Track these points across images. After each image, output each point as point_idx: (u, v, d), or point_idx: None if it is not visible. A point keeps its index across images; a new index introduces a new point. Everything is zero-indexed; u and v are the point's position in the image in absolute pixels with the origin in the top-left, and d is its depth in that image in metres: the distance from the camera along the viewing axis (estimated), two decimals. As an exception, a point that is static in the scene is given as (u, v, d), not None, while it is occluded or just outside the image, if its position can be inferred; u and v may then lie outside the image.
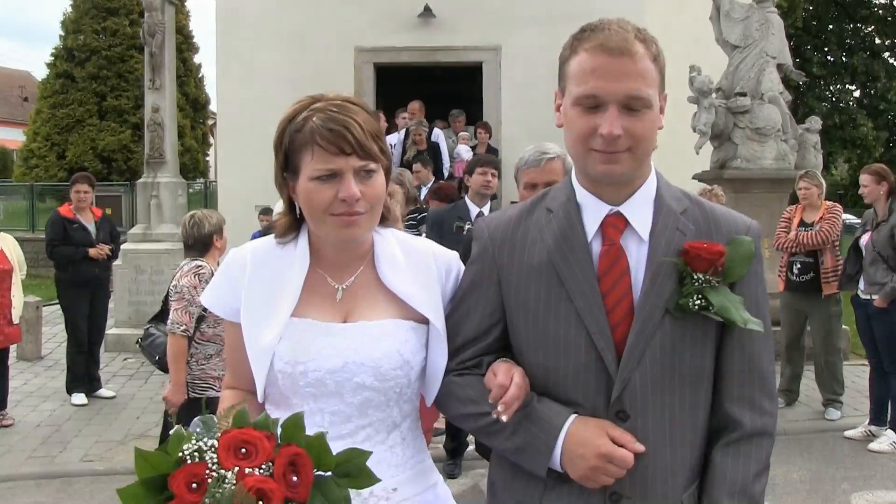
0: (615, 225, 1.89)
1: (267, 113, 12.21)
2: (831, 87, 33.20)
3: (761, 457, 1.87)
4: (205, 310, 5.10)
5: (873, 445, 7.04)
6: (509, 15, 13.64)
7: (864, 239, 7.12)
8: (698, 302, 1.79)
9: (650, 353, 1.81)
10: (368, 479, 1.61)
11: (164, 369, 5.35)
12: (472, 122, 13.55)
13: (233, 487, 1.41)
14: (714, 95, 10.97)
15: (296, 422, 1.56)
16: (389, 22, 13.53)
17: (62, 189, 21.73)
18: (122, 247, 10.31)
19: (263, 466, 1.46)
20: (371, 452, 1.65)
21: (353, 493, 1.77)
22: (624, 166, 1.83)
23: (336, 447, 1.63)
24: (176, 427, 3.05)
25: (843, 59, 32.87)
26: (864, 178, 7.29)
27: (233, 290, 2.02)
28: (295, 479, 1.48)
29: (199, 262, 5.30)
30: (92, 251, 8.45)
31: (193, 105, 27.79)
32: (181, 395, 5.16)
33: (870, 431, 7.26)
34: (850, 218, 18.72)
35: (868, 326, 7.17)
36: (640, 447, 1.78)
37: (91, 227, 8.64)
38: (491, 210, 6.08)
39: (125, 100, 25.21)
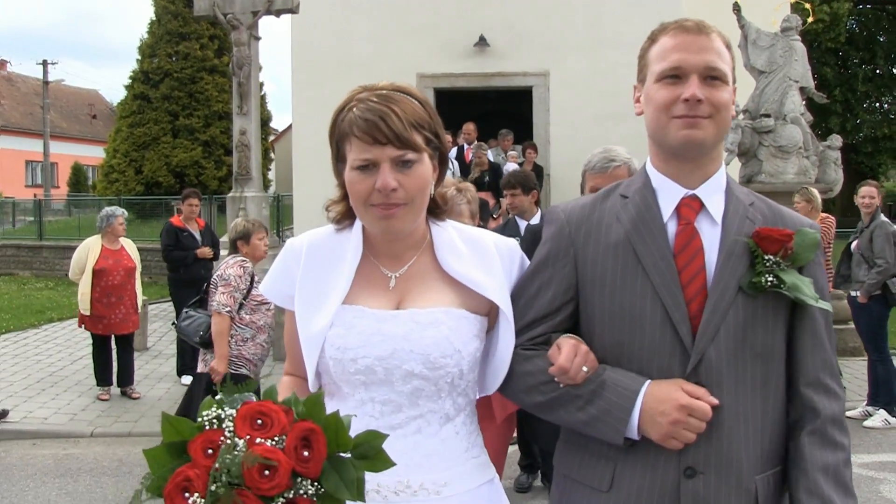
0: (691, 206, 1.93)
1: (338, 134, 13.65)
2: (883, 99, 33.60)
3: (845, 444, 1.88)
4: (245, 297, 5.90)
5: (867, 422, 8.19)
6: (557, 43, 14.97)
7: (855, 244, 8.35)
8: (771, 279, 1.83)
9: (724, 329, 1.83)
10: (385, 462, 1.58)
11: (205, 345, 5.99)
12: (518, 140, 14.82)
13: (242, 454, 1.42)
14: (741, 116, 12.12)
15: (317, 398, 1.56)
16: (448, 51, 14.94)
17: (140, 203, 23.46)
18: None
19: (276, 438, 1.46)
20: (387, 435, 1.60)
21: (401, 484, 1.87)
22: (706, 132, 1.88)
23: (389, 439, 1.62)
24: (207, 398, 3.89)
25: (893, 71, 33.24)
26: (869, 190, 8.49)
27: (288, 278, 2.04)
28: (306, 454, 1.48)
29: (242, 258, 6.04)
30: (198, 251, 9.97)
31: None
32: (225, 366, 5.82)
33: (867, 411, 8.41)
34: None
35: (854, 321, 8.37)
36: (715, 400, 1.80)
37: (197, 235, 10.17)
38: (541, 219, 6.05)
39: (196, 119, 26.83)
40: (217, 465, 1.42)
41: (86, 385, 9.65)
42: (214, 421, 1.49)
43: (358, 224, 2.02)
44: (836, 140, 13.17)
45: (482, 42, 15.05)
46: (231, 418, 1.49)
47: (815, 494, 1.80)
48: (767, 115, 12.03)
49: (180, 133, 26.81)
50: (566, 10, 14.95)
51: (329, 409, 1.57)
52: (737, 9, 12.16)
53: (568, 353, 1.87)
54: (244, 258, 6.03)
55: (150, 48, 27.67)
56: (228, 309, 5.81)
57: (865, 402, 8.52)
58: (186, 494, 1.42)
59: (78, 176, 41.18)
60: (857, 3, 31.86)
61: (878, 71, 33.01)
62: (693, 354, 1.83)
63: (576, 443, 2.00)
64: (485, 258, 2.04)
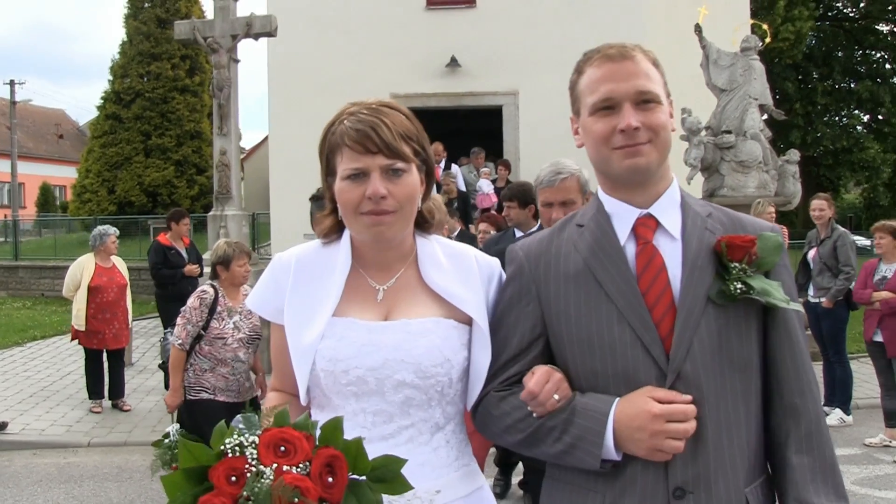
0: (647, 225, 1.92)
1: (313, 153, 14.08)
2: (842, 114, 34.30)
3: (830, 444, 1.88)
4: (204, 328, 5.68)
5: (825, 421, 8.74)
6: (526, 63, 15.52)
7: (812, 253, 8.90)
8: (740, 287, 1.81)
9: (698, 342, 1.81)
10: (403, 485, 1.60)
11: (165, 372, 6.08)
12: (490, 156, 15.31)
13: (270, 483, 1.43)
14: (703, 133, 12.68)
15: (335, 424, 1.57)
16: (421, 71, 15.44)
17: (113, 222, 23.51)
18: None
19: (301, 465, 1.48)
20: (406, 460, 1.62)
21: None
22: (648, 157, 1.88)
23: (379, 448, 1.67)
24: (171, 426, 3.96)
25: (851, 85, 33.92)
26: (820, 203, 9.06)
27: (277, 292, 2.06)
28: (330, 480, 1.49)
29: (205, 287, 5.87)
30: (186, 269, 10.33)
31: None
32: (178, 399, 5.78)
33: (825, 411, 8.93)
34: (862, 240, 19.86)
35: (818, 325, 8.90)
36: (688, 397, 1.77)
37: (184, 253, 10.52)
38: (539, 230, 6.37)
39: (168, 138, 27.04)
40: (245, 494, 1.43)
41: (77, 398, 9.95)
42: (237, 448, 1.49)
43: (346, 237, 2.07)
44: (794, 155, 13.77)
45: (453, 63, 15.59)
46: (254, 445, 1.49)
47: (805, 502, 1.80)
48: (729, 132, 12.58)
49: (152, 152, 26.97)
50: (534, 32, 15.50)
51: (320, 421, 1.60)
52: (698, 30, 12.69)
53: (539, 378, 1.86)
54: (206, 288, 5.85)
55: (121, 68, 27.87)
56: (180, 342, 5.71)
57: (822, 403, 9.03)
58: None
59: (46, 196, 41.05)
60: (817, 19, 32.71)
61: (836, 85, 33.71)
62: (669, 373, 1.80)
63: (562, 479, 1.98)
64: (465, 273, 2.08)
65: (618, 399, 1.82)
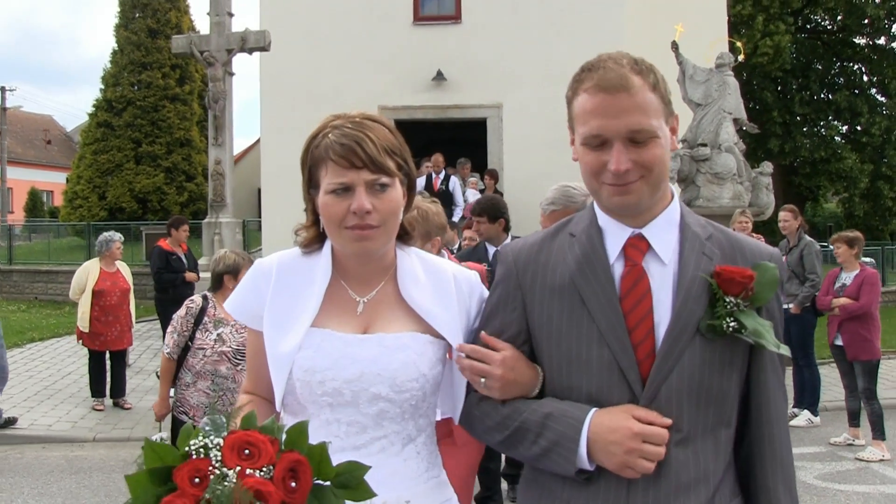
0: (637, 246, 1.88)
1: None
2: (820, 124, 34.61)
3: (793, 464, 1.94)
4: (190, 339, 5.56)
5: (793, 422, 9.25)
6: (509, 77, 16.10)
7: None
8: (732, 324, 1.78)
9: (678, 372, 1.79)
10: (366, 492, 1.61)
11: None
12: (476, 167, 15.88)
13: (232, 485, 1.43)
14: (680, 146, 13.23)
15: (300, 429, 1.58)
16: (408, 84, 15.98)
17: (104, 227, 23.88)
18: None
19: (264, 469, 1.48)
20: (370, 467, 1.63)
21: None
22: (637, 195, 1.83)
23: (351, 457, 1.68)
24: (157, 434, 4.20)
25: (829, 96, 34.29)
26: (785, 215, 9.65)
27: (257, 298, 2.05)
28: (294, 484, 1.49)
29: (194, 297, 5.81)
30: (189, 276, 10.84)
31: None
32: (165, 408, 5.72)
33: (793, 412, 9.49)
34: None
35: (787, 330, 9.45)
36: (668, 420, 1.77)
37: (184, 258, 11.02)
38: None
39: (158, 146, 27.37)
40: (207, 496, 1.43)
41: (80, 397, 10.45)
42: (201, 450, 1.49)
43: (327, 248, 2.06)
44: (767, 167, 14.36)
45: (439, 76, 16.15)
46: (218, 447, 1.49)
47: None
48: (704, 145, 13.11)
49: (143, 160, 27.30)
50: (518, 47, 16.09)
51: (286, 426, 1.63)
52: (675, 47, 13.25)
53: (484, 354, 1.92)
54: (195, 297, 5.79)
55: (113, 77, 28.17)
56: (168, 350, 5.65)
57: (792, 405, 9.56)
58: None
59: (35, 201, 41.34)
60: (795, 32, 33.35)
61: (814, 96, 34.14)
62: (642, 399, 1.79)
63: (535, 480, 1.99)
64: (442, 289, 2.08)
65: (594, 409, 1.82)
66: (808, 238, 9.52)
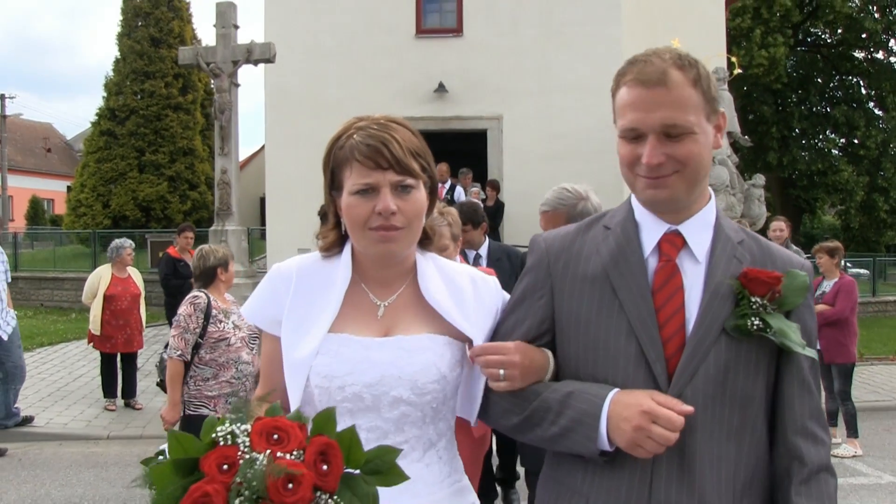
0: (673, 242, 1.88)
1: (308, 172, 15.09)
2: (818, 137, 35.16)
3: (832, 493, 1.83)
4: (201, 336, 5.48)
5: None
6: (509, 89, 16.51)
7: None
8: (757, 323, 1.77)
9: (703, 370, 1.78)
10: (398, 476, 1.58)
11: (164, 389, 5.73)
12: (475, 178, 16.23)
13: (264, 468, 1.42)
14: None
15: (327, 415, 1.57)
16: (410, 96, 16.35)
17: (107, 235, 24.18)
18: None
19: (295, 453, 1.46)
20: (401, 450, 1.61)
21: None
22: (672, 190, 1.83)
23: None
24: (163, 446, 3.73)
25: (828, 110, 34.86)
26: (779, 224, 10.03)
27: (276, 303, 2.03)
28: (325, 468, 1.47)
29: (196, 293, 5.65)
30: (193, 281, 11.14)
31: (214, 157, 30.00)
32: (176, 414, 5.49)
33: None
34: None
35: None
36: (689, 408, 1.73)
37: (191, 264, 11.33)
38: (489, 249, 6.54)
39: (161, 155, 27.63)
40: (238, 479, 1.41)
41: (92, 398, 10.74)
42: (228, 437, 1.48)
43: (347, 251, 2.05)
44: (760, 179, 14.79)
45: (441, 89, 16.56)
46: (246, 433, 1.48)
47: None
48: (697, 157, 13.52)
49: (146, 168, 27.54)
50: (518, 59, 16.50)
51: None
52: (670, 62, 13.66)
53: (497, 347, 1.92)
54: (198, 293, 5.68)
55: (115, 85, 28.42)
56: (180, 353, 5.47)
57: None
58: None
59: (36, 209, 41.60)
60: (794, 46, 33.75)
61: (813, 109, 34.61)
62: (669, 395, 1.77)
63: (553, 477, 1.99)
64: (460, 291, 2.07)
65: (616, 389, 1.81)
66: (794, 247, 9.88)
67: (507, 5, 16.83)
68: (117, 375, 10.42)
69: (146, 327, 12.09)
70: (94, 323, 10.06)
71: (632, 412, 1.73)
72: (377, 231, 1.92)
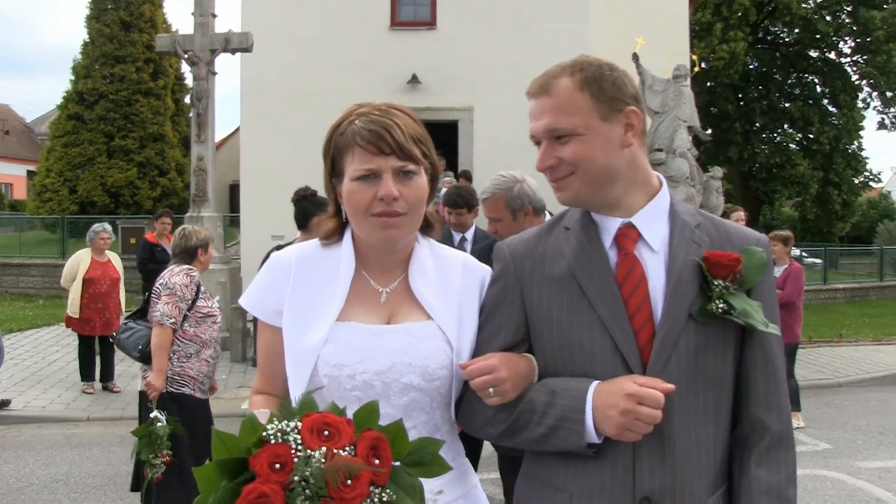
0: (628, 235, 1.90)
1: (283, 161, 15.36)
2: (777, 132, 35.89)
3: (790, 460, 1.88)
4: (189, 309, 5.41)
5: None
6: (481, 81, 16.83)
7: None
8: (722, 306, 1.81)
9: (675, 357, 1.81)
10: (441, 467, 1.59)
11: (144, 360, 5.48)
12: (447, 167, 16.53)
13: (322, 465, 1.40)
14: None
15: (371, 409, 1.56)
16: (384, 87, 16.56)
17: (75, 221, 24.07)
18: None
19: (347, 449, 1.46)
20: (444, 441, 1.63)
21: None
22: (572, 191, 1.89)
23: None
24: (155, 412, 4.08)
25: (785, 105, 35.45)
26: (738, 215, 10.45)
27: (276, 293, 2.01)
28: (377, 462, 1.48)
29: (190, 266, 5.60)
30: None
31: (185, 143, 29.78)
32: (163, 381, 5.30)
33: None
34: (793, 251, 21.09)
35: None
36: (670, 386, 1.76)
37: (169, 250, 11.52)
38: (475, 233, 6.40)
39: (131, 140, 27.55)
40: (297, 477, 1.40)
41: (68, 382, 10.92)
42: (279, 434, 1.47)
43: (348, 238, 2.04)
44: (718, 171, 15.20)
45: (414, 80, 16.83)
46: (296, 430, 1.47)
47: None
48: (660, 150, 13.86)
49: (115, 154, 27.45)
50: (489, 52, 16.81)
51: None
52: (635, 58, 13.98)
53: (482, 366, 1.88)
54: (191, 267, 5.64)
55: (84, 69, 28.21)
56: (172, 320, 5.34)
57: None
58: None
59: (-4, 192, 41.14)
60: (754, 43, 34.36)
61: (772, 105, 35.05)
62: (635, 374, 1.81)
63: (535, 476, 1.99)
64: (447, 282, 2.06)
65: (596, 381, 1.83)
66: None
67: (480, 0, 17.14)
68: (95, 359, 10.60)
69: (125, 312, 12.30)
70: (73, 306, 10.24)
71: (616, 398, 1.76)
72: (379, 217, 1.91)
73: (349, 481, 1.41)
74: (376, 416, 1.56)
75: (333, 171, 2.00)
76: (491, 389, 1.86)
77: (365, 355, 1.91)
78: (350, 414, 1.59)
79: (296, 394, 1.87)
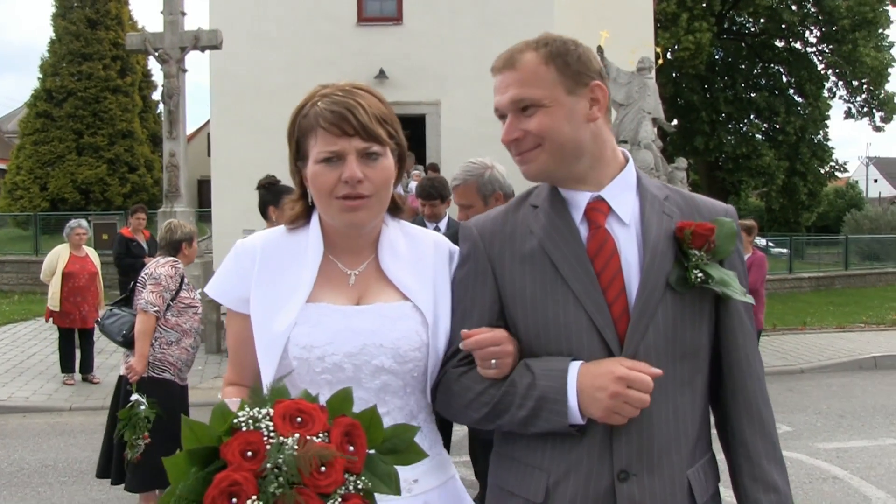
0: (598, 209, 1.90)
1: (252, 155, 15.62)
2: (743, 122, 36.20)
3: (772, 418, 1.96)
4: (173, 298, 5.66)
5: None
6: (447, 76, 17.24)
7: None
8: (699, 275, 1.81)
9: (653, 328, 1.81)
10: (417, 454, 1.57)
11: (127, 344, 5.71)
12: (417, 160, 16.90)
13: (295, 453, 1.38)
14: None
15: (344, 396, 1.53)
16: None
17: (46, 218, 24.13)
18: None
19: (320, 436, 1.43)
20: (419, 427, 1.61)
21: None
22: (538, 164, 1.88)
23: None
24: (135, 396, 4.39)
25: (751, 96, 35.78)
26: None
27: (241, 280, 1.98)
28: (351, 448, 1.45)
29: (175, 258, 5.84)
30: (147, 260, 11.60)
31: (153, 139, 30.20)
32: (144, 366, 5.53)
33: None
34: (760, 240, 22.09)
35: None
36: (658, 371, 1.75)
37: (144, 244, 11.82)
38: (448, 222, 6.44)
39: (101, 137, 27.70)
40: (269, 465, 1.38)
41: (49, 374, 11.18)
42: (250, 422, 1.45)
43: (315, 222, 2.01)
44: (682, 162, 15.67)
45: (381, 75, 17.16)
46: (268, 417, 1.45)
47: (760, 480, 1.88)
48: (625, 142, 14.28)
49: (85, 151, 27.59)
50: (454, 46, 17.20)
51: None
52: (600, 51, 14.36)
53: (487, 338, 1.84)
54: (176, 259, 5.86)
55: (51, 67, 28.31)
56: (156, 308, 5.58)
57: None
58: (234, 500, 1.38)
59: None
60: (719, 33, 34.79)
61: (738, 96, 35.49)
62: (623, 356, 1.79)
63: (508, 455, 1.96)
64: (419, 261, 2.03)
65: (572, 360, 1.81)
66: None
67: (445, -5, 17.48)
68: (75, 351, 10.87)
69: (105, 305, 12.54)
70: (53, 299, 10.50)
71: (605, 381, 1.74)
72: (344, 200, 1.87)
73: (323, 468, 1.40)
74: (350, 404, 1.54)
75: (298, 154, 1.97)
76: (493, 361, 1.84)
77: (335, 336, 1.88)
78: (322, 400, 1.56)
79: (267, 381, 1.83)
